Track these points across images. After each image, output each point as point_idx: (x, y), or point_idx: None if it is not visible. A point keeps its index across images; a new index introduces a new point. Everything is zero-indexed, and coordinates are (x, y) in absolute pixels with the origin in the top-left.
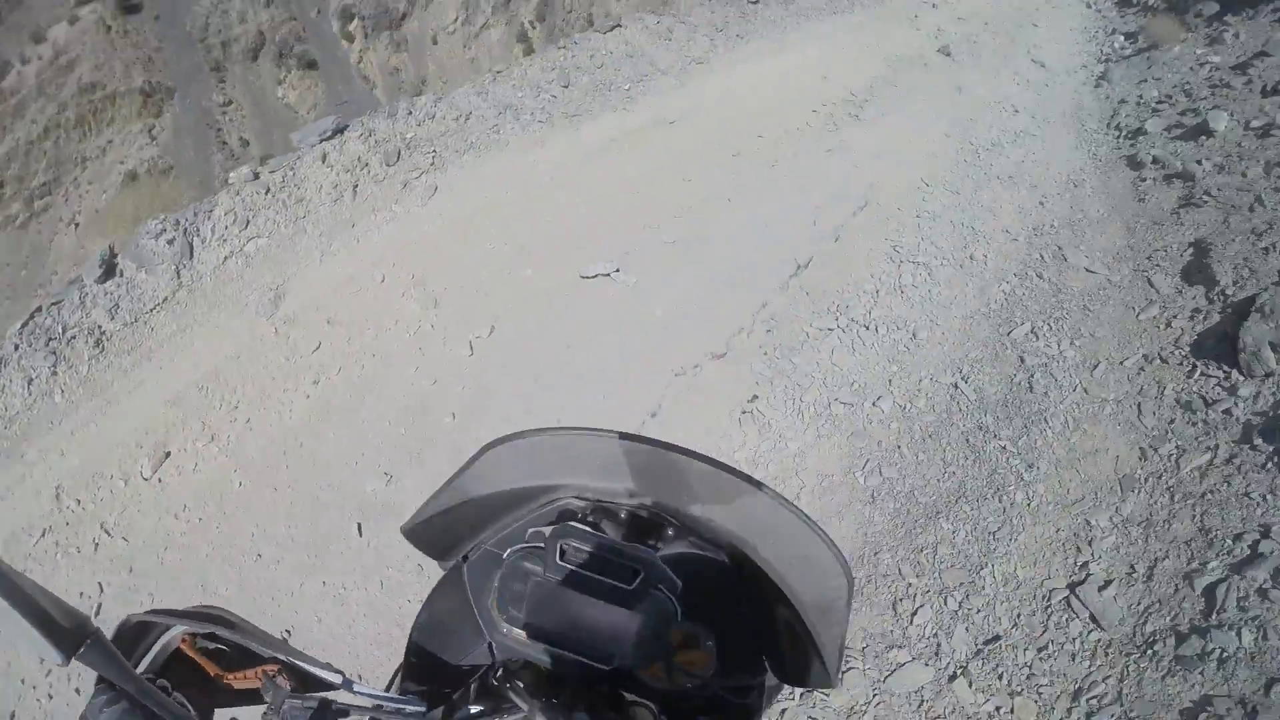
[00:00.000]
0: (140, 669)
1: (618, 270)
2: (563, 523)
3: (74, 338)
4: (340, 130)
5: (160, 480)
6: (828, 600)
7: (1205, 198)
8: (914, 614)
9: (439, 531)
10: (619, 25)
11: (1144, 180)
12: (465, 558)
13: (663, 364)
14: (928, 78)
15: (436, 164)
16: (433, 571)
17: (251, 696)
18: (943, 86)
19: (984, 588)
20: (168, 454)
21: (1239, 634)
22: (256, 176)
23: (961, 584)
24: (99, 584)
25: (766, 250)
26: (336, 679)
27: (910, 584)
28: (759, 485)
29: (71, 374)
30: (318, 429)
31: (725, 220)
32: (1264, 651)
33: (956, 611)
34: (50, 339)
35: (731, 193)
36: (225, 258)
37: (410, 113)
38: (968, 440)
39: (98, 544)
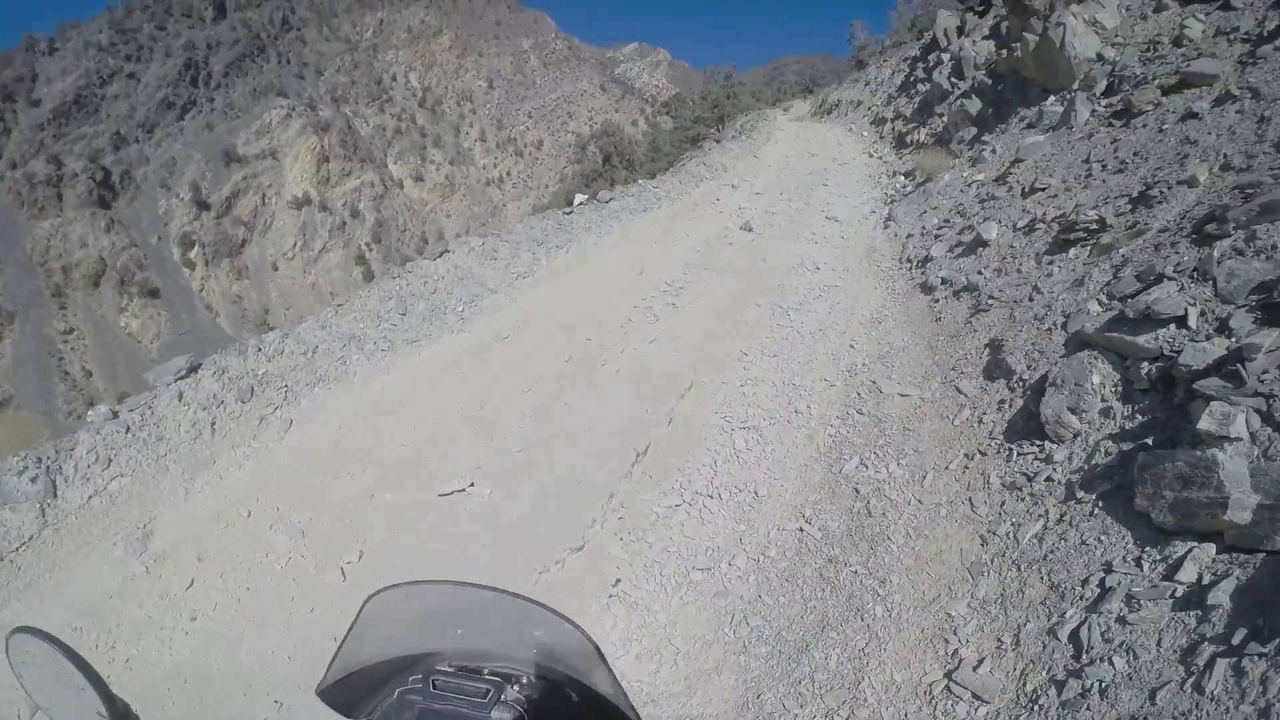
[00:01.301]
0: None
1: (472, 484)
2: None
3: None
4: (194, 369)
5: None
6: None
7: (990, 301)
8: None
9: (344, 691)
10: (448, 250)
11: (937, 301)
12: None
13: (526, 564)
14: (734, 253)
15: (289, 398)
16: None
17: None
18: (748, 259)
19: (866, 699)
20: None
21: (1111, 662)
22: (115, 415)
23: (844, 702)
24: None
25: (607, 444)
26: None
27: (795, 714)
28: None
29: None
30: (200, 663)
31: (566, 422)
32: (1138, 669)
33: None
34: None
35: (568, 395)
36: (90, 496)
37: (260, 349)
38: (821, 575)
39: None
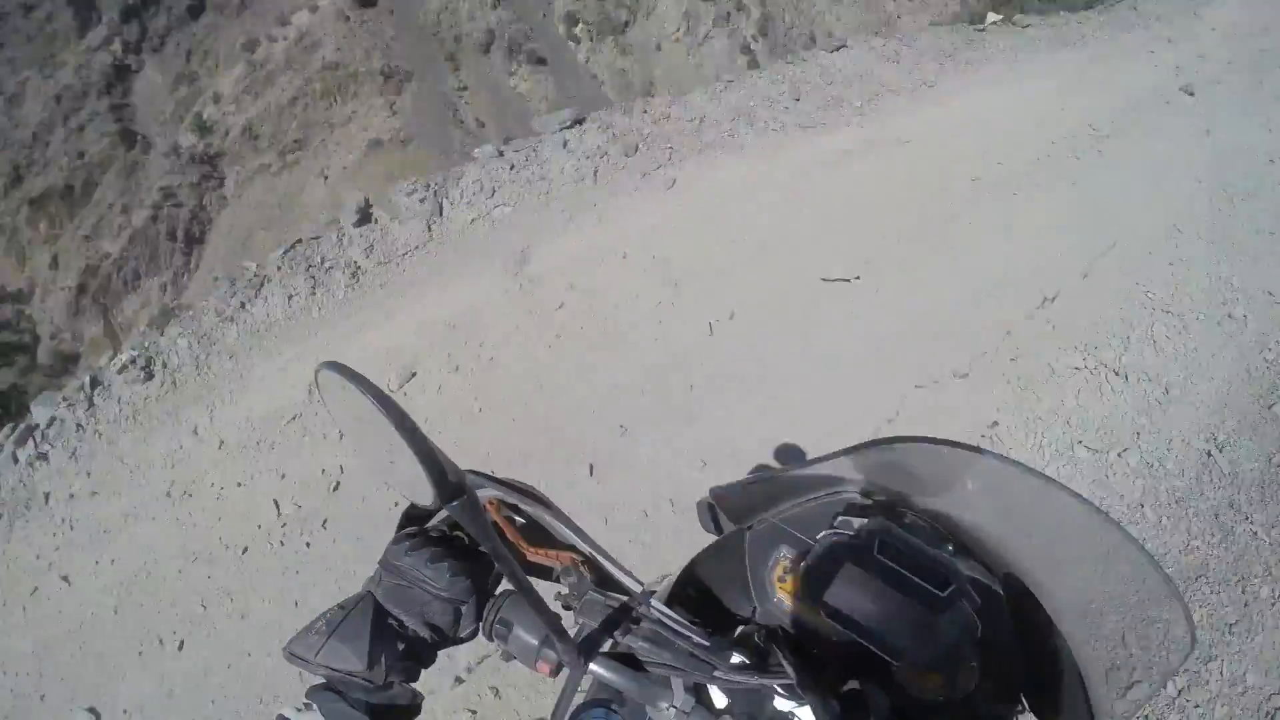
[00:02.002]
0: (434, 521)
1: (858, 277)
2: (876, 522)
3: (331, 268)
4: (579, 121)
5: (405, 393)
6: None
7: None
8: (1129, 688)
9: (740, 498)
10: (845, 45)
11: None
12: (750, 527)
13: (902, 374)
14: (1172, 118)
15: (673, 159)
16: (657, 519)
17: (542, 572)
18: (1189, 128)
19: (1208, 682)
20: (413, 374)
21: None
22: (500, 154)
23: (1186, 671)
24: (340, 466)
25: (1010, 277)
26: (638, 588)
27: (1131, 654)
28: (1095, 511)
29: (328, 296)
30: (558, 378)
31: (967, 242)
32: None
33: (1174, 700)
34: (309, 266)
35: (971, 216)
36: (473, 220)
37: (645, 111)
38: (1217, 516)
39: (342, 434)
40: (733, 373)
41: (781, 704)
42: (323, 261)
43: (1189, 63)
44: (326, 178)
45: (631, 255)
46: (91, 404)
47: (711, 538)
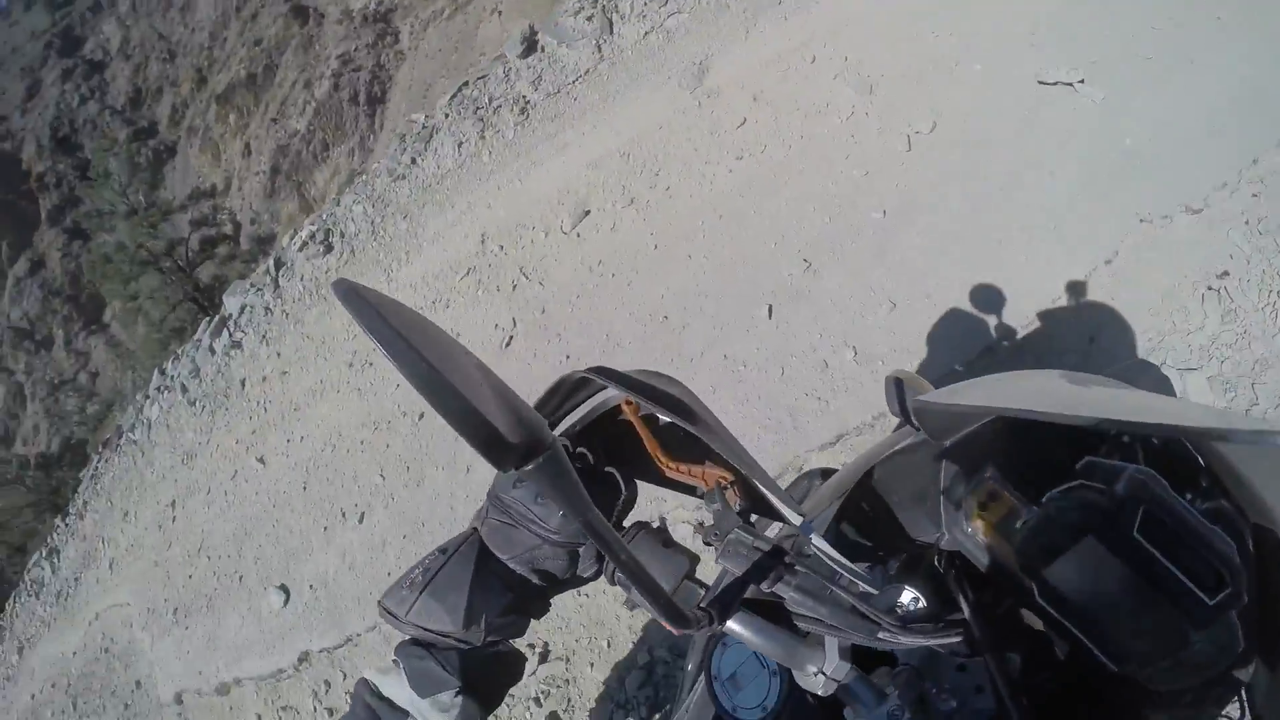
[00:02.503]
0: (561, 428)
1: (1082, 81)
2: (1144, 476)
3: (499, 107)
4: None
5: (579, 235)
6: None
7: None
8: None
9: (944, 418)
10: None
11: None
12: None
13: (1126, 205)
14: None
15: None
16: (839, 370)
17: (684, 488)
18: None
19: None
20: (587, 213)
21: None
22: None
23: None
24: (513, 319)
25: (1265, 90)
26: (797, 519)
27: None
28: None
29: (497, 138)
30: (738, 205)
31: (1218, 44)
32: None
33: None
34: (477, 108)
35: (1225, 11)
36: (645, 33)
37: None
38: None
39: (515, 285)
40: (930, 199)
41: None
42: (490, 101)
43: None
44: (500, 13)
45: (821, 57)
46: (278, 286)
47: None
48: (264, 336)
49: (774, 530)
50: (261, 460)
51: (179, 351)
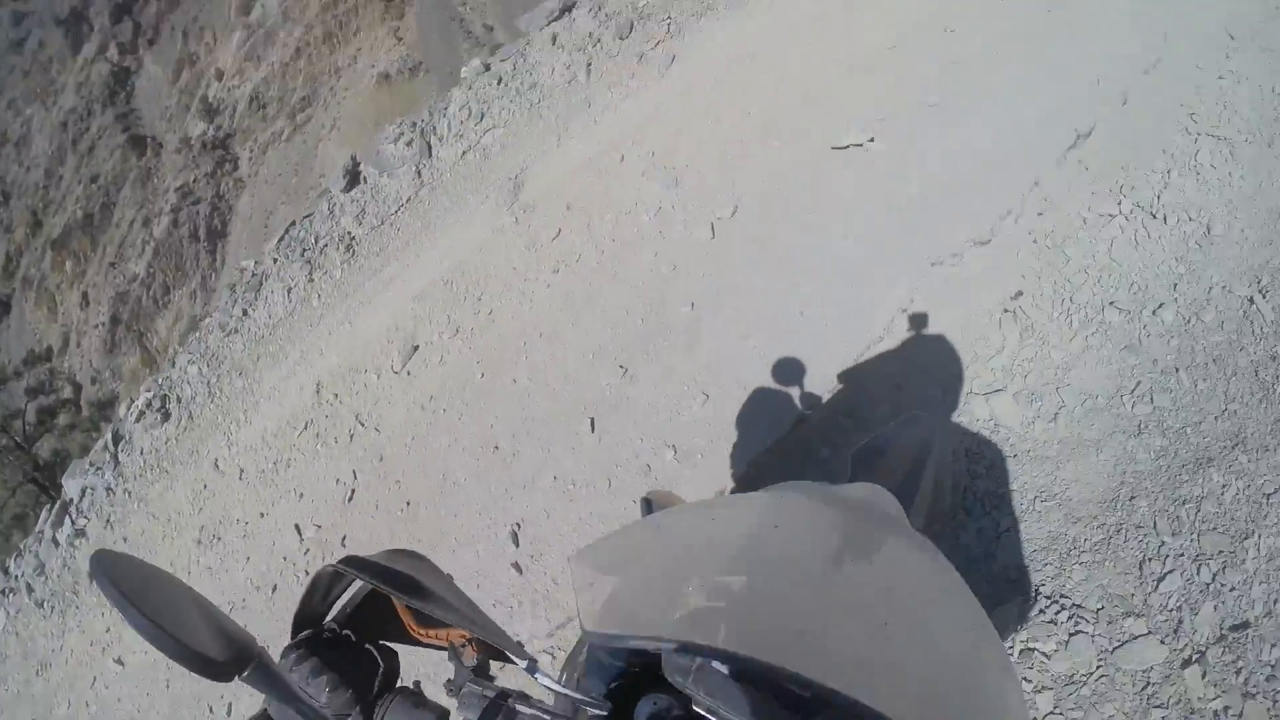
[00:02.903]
0: (330, 617)
1: (872, 139)
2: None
3: (325, 247)
4: (568, 9)
5: (409, 373)
6: None
7: None
8: (1161, 579)
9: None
10: None
11: None
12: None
13: (918, 249)
14: None
15: (673, 31)
16: (661, 473)
17: (439, 648)
18: None
19: (1244, 562)
20: (415, 348)
21: None
22: (488, 68)
23: (1220, 552)
24: (353, 471)
25: (1041, 114)
26: (522, 663)
27: (1164, 543)
28: None
29: (326, 279)
30: (556, 319)
31: (994, 78)
32: None
33: (1209, 585)
34: (304, 250)
35: (1001, 45)
36: (463, 152)
37: None
38: (1256, 373)
39: (353, 435)
40: (735, 282)
41: None
42: (317, 241)
43: None
44: (339, 129)
45: (629, 156)
46: (118, 463)
47: None
48: (108, 520)
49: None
50: (120, 661)
51: (21, 546)
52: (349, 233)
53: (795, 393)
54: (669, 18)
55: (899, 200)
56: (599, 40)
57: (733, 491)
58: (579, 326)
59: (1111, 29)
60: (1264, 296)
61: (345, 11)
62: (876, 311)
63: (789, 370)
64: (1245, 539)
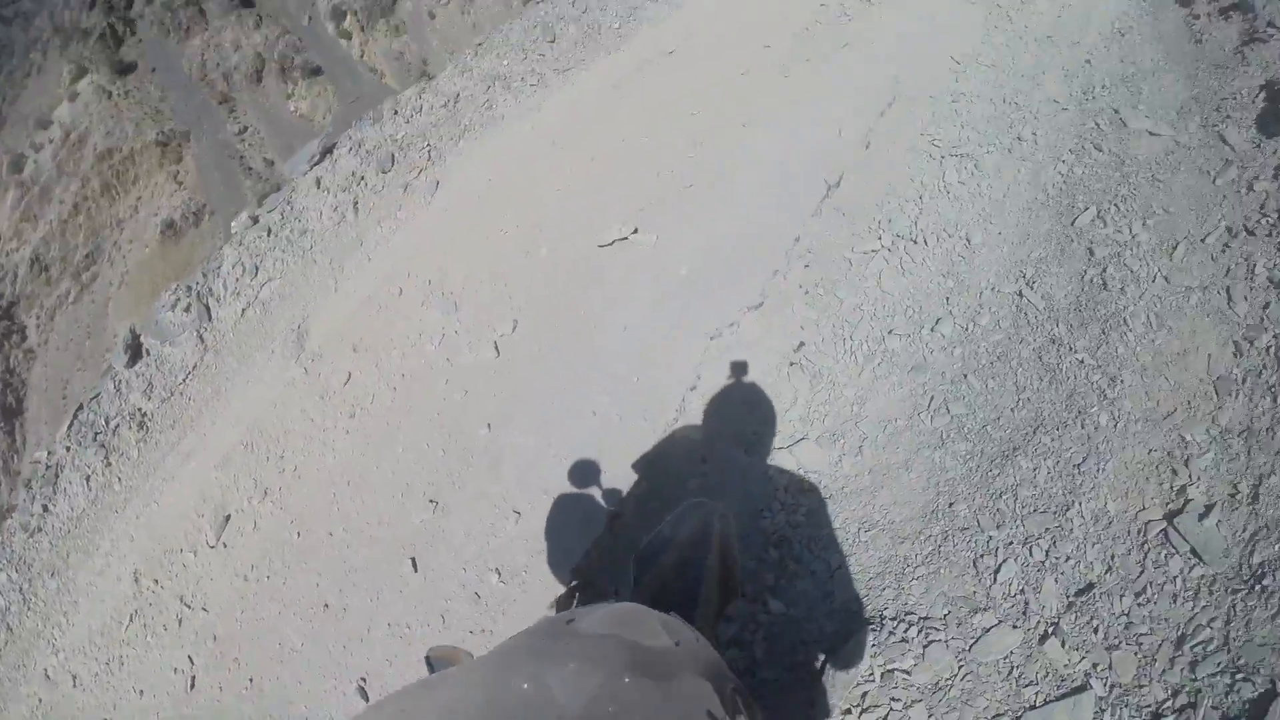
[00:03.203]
0: None
1: (635, 231)
2: None
3: (118, 426)
4: (329, 150)
5: (225, 545)
6: None
7: (1270, 30)
8: (997, 570)
9: None
10: None
11: (1197, 18)
12: None
13: (696, 327)
14: None
15: (434, 157)
16: (489, 599)
17: None
18: None
19: (1072, 530)
20: (228, 518)
21: None
22: (256, 220)
23: (1047, 529)
24: (189, 658)
25: (792, 175)
26: None
27: (990, 537)
28: None
29: (124, 461)
30: (361, 465)
31: (743, 149)
32: None
33: (1043, 562)
34: (97, 433)
35: (745, 117)
36: (243, 310)
37: (396, 112)
38: (1040, 358)
39: (180, 619)
40: (526, 395)
41: None
42: (108, 423)
43: None
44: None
45: (407, 288)
46: None
47: None
48: None
49: None
50: None
51: None
52: (139, 409)
53: (597, 492)
54: (428, 144)
55: (671, 284)
56: (362, 178)
57: (561, 603)
58: (383, 468)
59: (845, 82)
60: (1031, 287)
61: (121, 160)
62: (666, 395)
63: (587, 472)
64: (1067, 510)
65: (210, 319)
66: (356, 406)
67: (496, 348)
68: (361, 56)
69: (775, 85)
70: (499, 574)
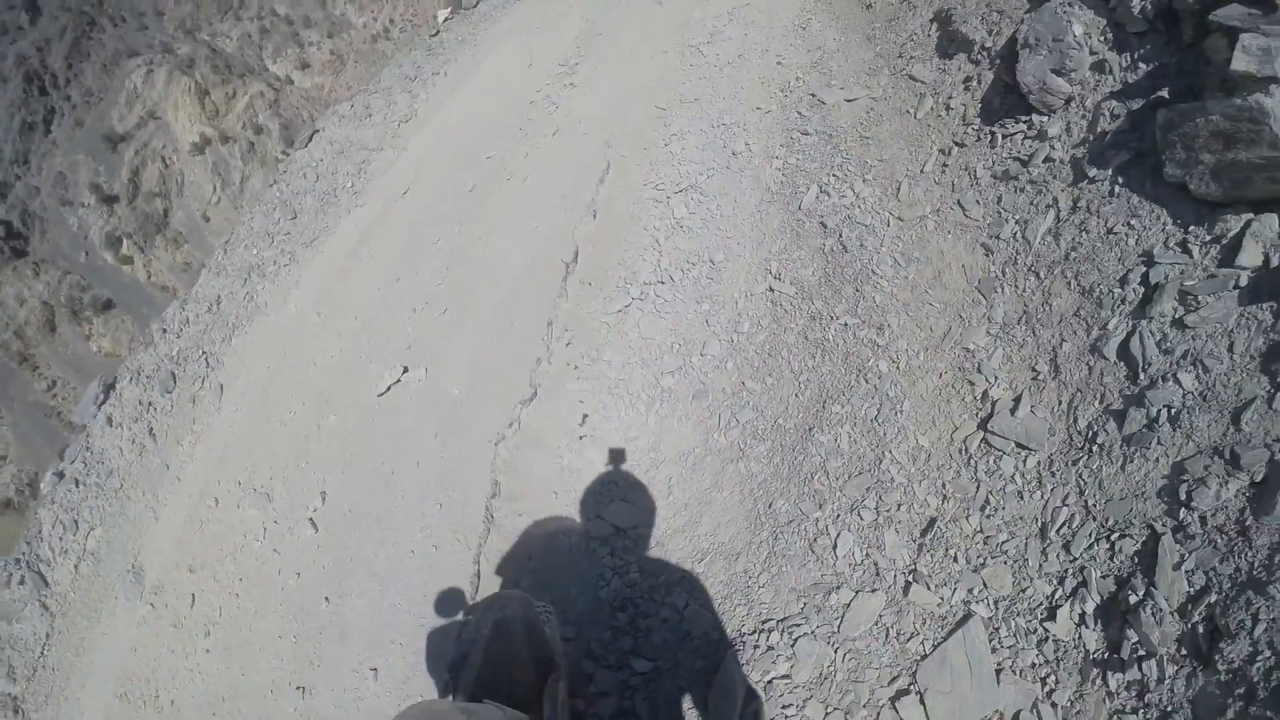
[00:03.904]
0: None
1: (405, 370)
2: None
3: None
4: (110, 386)
5: None
6: None
7: None
8: (834, 547)
9: None
10: (317, 130)
11: None
12: None
13: (479, 438)
14: (628, 6)
15: (211, 364)
16: None
17: None
18: (644, 7)
19: (893, 479)
20: None
21: (1177, 380)
22: (61, 476)
23: (868, 489)
24: None
25: (531, 266)
26: None
27: (817, 518)
28: None
29: None
30: (228, 678)
31: (485, 258)
32: (1212, 386)
33: (875, 520)
34: None
35: (480, 228)
36: (75, 566)
37: (165, 330)
38: (806, 337)
39: None
40: (351, 556)
41: None
42: None
43: None
44: None
45: (221, 496)
46: None
47: None
48: None
49: None
50: None
51: None
52: (9, 694)
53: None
54: (203, 352)
55: (448, 408)
56: (150, 404)
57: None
58: (249, 673)
59: (563, 163)
60: (779, 279)
61: None
62: (469, 511)
63: (440, 606)
64: (880, 463)
65: (47, 585)
66: (209, 623)
67: (314, 523)
68: (149, 279)
69: (503, 190)
70: None
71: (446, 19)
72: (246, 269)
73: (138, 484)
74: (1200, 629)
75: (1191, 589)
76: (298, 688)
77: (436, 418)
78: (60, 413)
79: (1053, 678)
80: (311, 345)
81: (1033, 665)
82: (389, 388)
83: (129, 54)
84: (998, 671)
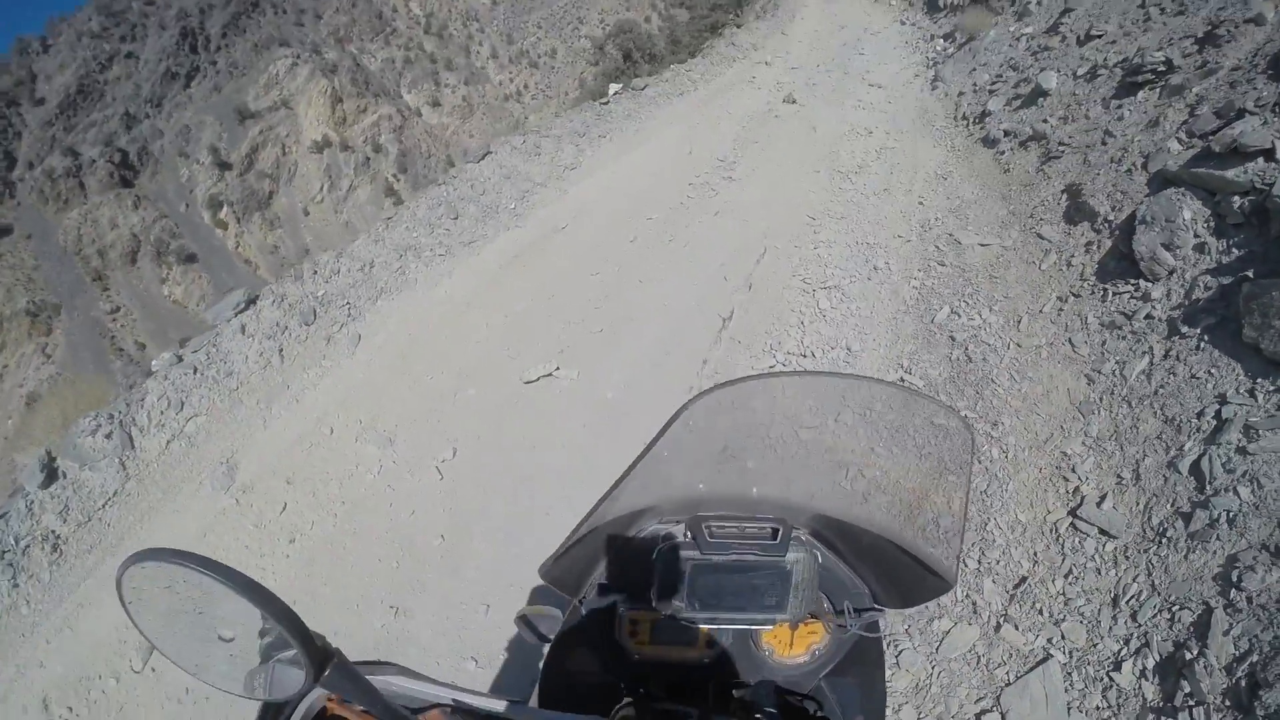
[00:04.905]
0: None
1: (558, 368)
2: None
3: (29, 547)
4: (252, 301)
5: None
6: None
7: (1061, 148)
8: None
9: (565, 570)
10: (490, 151)
11: (1003, 153)
12: (582, 599)
13: (626, 443)
14: (781, 125)
15: (353, 314)
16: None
17: None
18: (798, 129)
19: (995, 540)
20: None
21: (1236, 492)
22: (180, 359)
23: (974, 544)
24: None
25: (689, 314)
26: (500, 705)
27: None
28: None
29: (34, 583)
30: (306, 585)
31: (643, 299)
32: (1264, 498)
33: (978, 569)
34: (4, 552)
35: (640, 274)
36: (168, 442)
37: (316, 272)
38: (931, 423)
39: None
40: (477, 508)
41: None
42: (17, 542)
43: (785, 76)
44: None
45: (338, 428)
46: None
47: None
48: None
49: None
50: None
51: None
52: (54, 531)
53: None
54: (347, 303)
55: (598, 408)
56: (286, 328)
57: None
58: (334, 584)
59: (723, 240)
60: (910, 373)
61: None
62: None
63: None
64: (986, 526)
65: (133, 448)
66: (296, 533)
67: (440, 471)
68: (236, 248)
69: (662, 249)
70: (476, 662)
71: (617, 93)
72: (403, 247)
73: (254, 391)
74: (1243, 683)
75: (1237, 652)
76: (391, 607)
77: (587, 412)
78: (113, 336)
79: (1114, 719)
80: (459, 327)
81: (1097, 707)
82: (539, 378)
83: (280, 42)
84: (1068, 707)
